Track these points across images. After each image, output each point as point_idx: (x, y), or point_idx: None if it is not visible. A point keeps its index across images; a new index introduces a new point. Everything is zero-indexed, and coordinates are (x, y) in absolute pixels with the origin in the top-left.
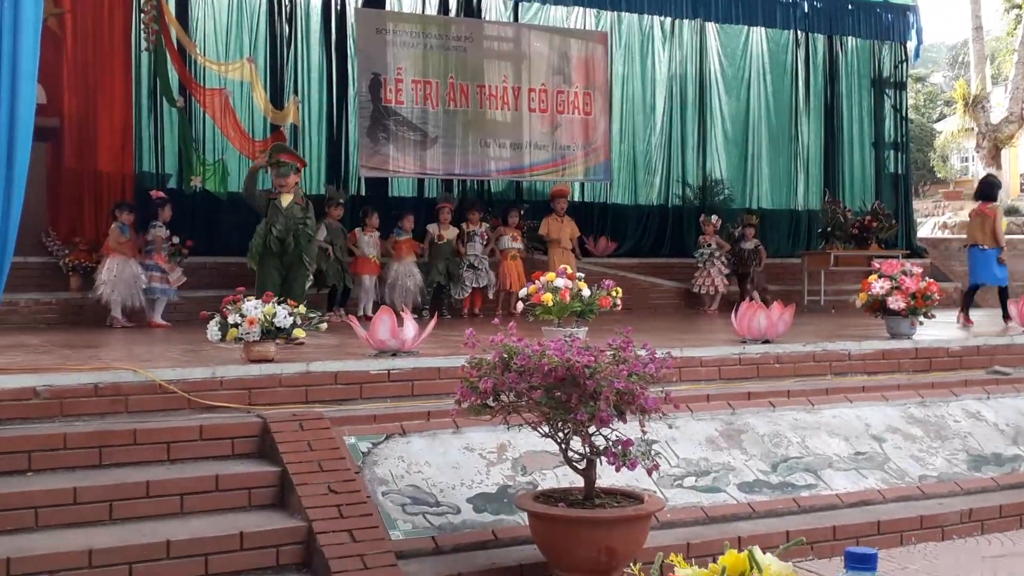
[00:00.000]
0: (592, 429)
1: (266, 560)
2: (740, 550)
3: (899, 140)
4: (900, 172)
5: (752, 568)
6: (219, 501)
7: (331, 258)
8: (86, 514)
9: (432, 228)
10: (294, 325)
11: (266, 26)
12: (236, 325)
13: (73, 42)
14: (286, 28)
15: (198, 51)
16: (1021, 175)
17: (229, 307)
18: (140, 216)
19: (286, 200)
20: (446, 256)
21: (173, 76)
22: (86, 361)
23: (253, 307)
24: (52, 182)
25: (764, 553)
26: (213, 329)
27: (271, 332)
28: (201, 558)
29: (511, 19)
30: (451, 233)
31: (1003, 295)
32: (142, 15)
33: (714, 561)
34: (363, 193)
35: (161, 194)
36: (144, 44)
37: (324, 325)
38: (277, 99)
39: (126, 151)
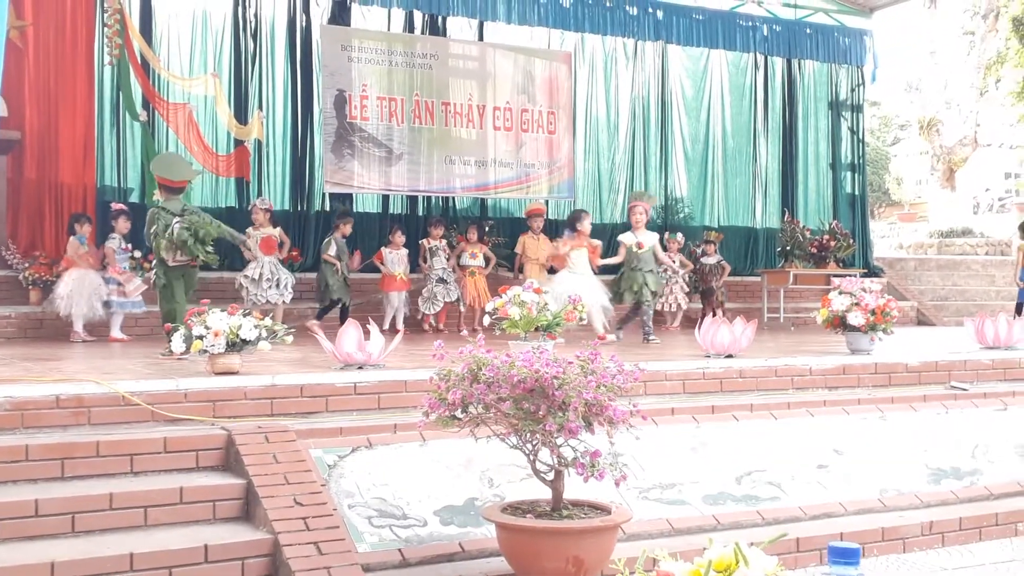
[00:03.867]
0: (560, 440)
1: (231, 573)
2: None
3: (856, 161)
4: (856, 193)
5: (738, 562)
6: (183, 514)
7: (338, 273)
8: (48, 527)
9: (627, 237)
10: (259, 337)
11: (231, 41)
12: (201, 337)
13: (35, 55)
14: (251, 43)
15: (162, 65)
16: (974, 197)
17: (194, 319)
18: (101, 229)
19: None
20: (649, 268)
21: (136, 90)
22: (47, 373)
23: (219, 319)
24: (12, 195)
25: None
26: (177, 341)
27: (236, 344)
28: (165, 571)
29: (476, 38)
30: (650, 239)
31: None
32: (105, 29)
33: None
34: (328, 208)
35: (120, 205)
36: (107, 58)
37: (290, 338)
38: (241, 114)
39: (88, 165)
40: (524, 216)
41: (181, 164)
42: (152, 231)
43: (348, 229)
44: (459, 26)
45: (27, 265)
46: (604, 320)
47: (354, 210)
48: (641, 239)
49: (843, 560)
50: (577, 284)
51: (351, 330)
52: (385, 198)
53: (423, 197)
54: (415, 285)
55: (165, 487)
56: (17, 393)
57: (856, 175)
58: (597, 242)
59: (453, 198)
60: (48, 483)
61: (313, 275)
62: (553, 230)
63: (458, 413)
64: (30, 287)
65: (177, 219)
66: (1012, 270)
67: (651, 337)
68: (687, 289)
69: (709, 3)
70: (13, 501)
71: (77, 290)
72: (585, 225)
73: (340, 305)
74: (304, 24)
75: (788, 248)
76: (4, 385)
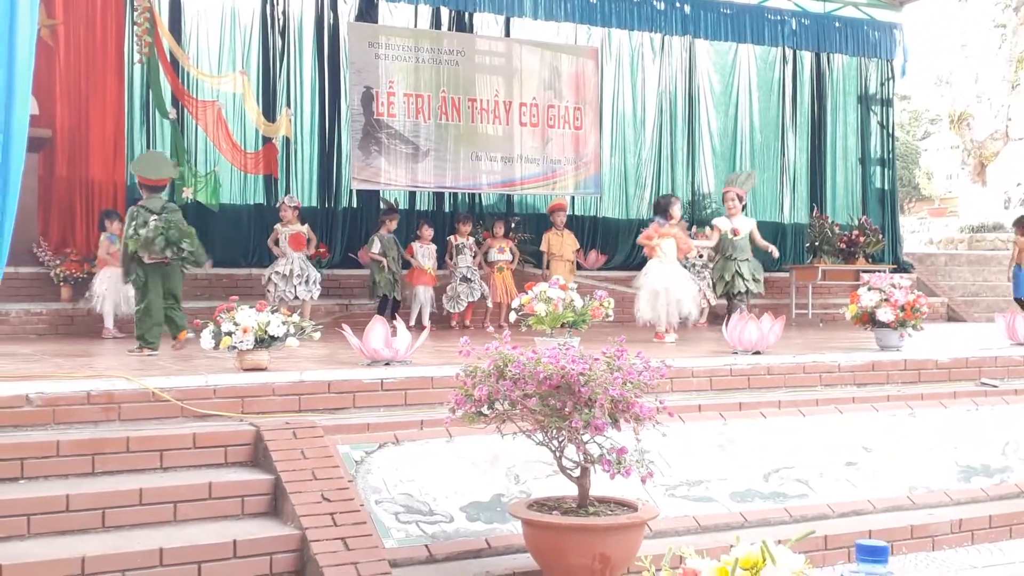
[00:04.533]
0: (587, 437)
1: (260, 568)
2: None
3: (885, 156)
4: (886, 188)
5: (765, 560)
6: (212, 509)
7: (385, 269)
8: (79, 522)
9: (721, 222)
10: (287, 334)
11: (259, 39)
12: (230, 333)
13: (66, 53)
14: (279, 41)
15: (191, 63)
16: (1005, 192)
17: (223, 315)
18: None
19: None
20: (744, 256)
21: (166, 88)
22: (78, 369)
23: (247, 316)
24: (44, 193)
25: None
26: (207, 337)
27: (265, 341)
28: (194, 566)
29: (503, 34)
30: (747, 226)
31: None
32: (135, 27)
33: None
34: (355, 205)
35: None
36: (137, 56)
37: (318, 334)
38: (269, 111)
39: (118, 162)
40: (547, 212)
41: (162, 162)
42: (130, 228)
43: (393, 225)
44: (486, 22)
45: (58, 262)
46: (691, 315)
47: (381, 207)
48: (736, 225)
49: (871, 558)
50: (667, 274)
51: (378, 326)
52: (412, 194)
53: (449, 193)
54: (441, 282)
55: (194, 483)
56: (48, 389)
57: (886, 170)
58: (683, 234)
59: (479, 194)
60: (79, 478)
61: (341, 272)
62: (578, 225)
63: (484, 409)
64: (61, 284)
65: (154, 217)
66: (1009, 264)
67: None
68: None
69: None
70: (44, 496)
71: (111, 287)
72: (675, 211)
73: (389, 298)
74: (332, 21)
75: (817, 243)
76: (36, 381)
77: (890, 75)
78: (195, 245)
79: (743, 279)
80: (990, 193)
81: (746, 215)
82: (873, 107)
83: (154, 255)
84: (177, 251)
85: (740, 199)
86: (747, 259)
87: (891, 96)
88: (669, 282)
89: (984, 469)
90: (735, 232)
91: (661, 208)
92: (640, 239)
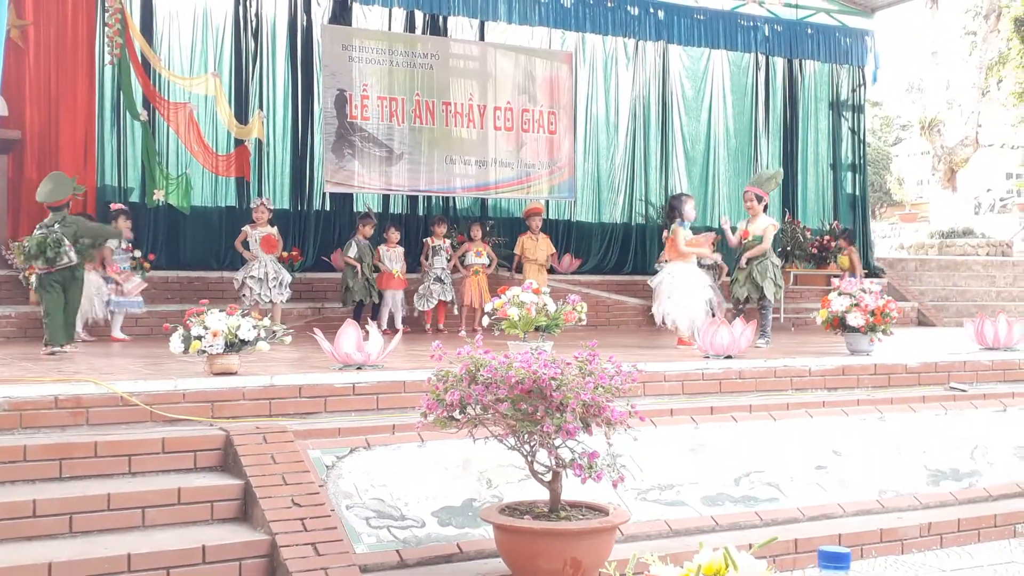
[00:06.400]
0: (558, 441)
1: (229, 574)
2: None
3: (856, 162)
4: (857, 193)
5: (728, 566)
6: (181, 514)
7: (359, 274)
8: (46, 527)
9: (740, 225)
10: (258, 338)
11: (232, 41)
12: (200, 337)
13: (36, 54)
14: (252, 43)
15: (163, 65)
16: (975, 197)
17: (193, 319)
18: None
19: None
20: (756, 261)
21: (137, 89)
22: (46, 373)
23: (217, 319)
24: (13, 195)
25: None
26: (176, 341)
27: (235, 344)
28: (163, 571)
29: (477, 38)
30: (759, 227)
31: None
32: (106, 28)
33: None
34: (327, 208)
35: (120, 205)
36: (108, 57)
37: (289, 338)
38: (242, 114)
39: (88, 164)
40: (523, 216)
41: (61, 186)
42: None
43: (369, 230)
44: (460, 26)
45: (27, 265)
46: (696, 322)
47: (354, 210)
48: (751, 228)
49: (833, 564)
50: (695, 277)
51: (350, 330)
52: (385, 198)
53: (423, 197)
54: (413, 285)
55: (163, 488)
56: (16, 393)
57: (857, 175)
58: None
59: (453, 198)
60: (46, 483)
61: (314, 275)
62: (552, 229)
63: (456, 414)
64: (30, 287)
65: (42, 230)
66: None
67: (760, 341)
68: None
69: (710, 3)
70: (11, 502)
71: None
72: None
73: (364, 304)
74: (305, 23)
75: (788, 248)
76: (3, 385)
77: (861, 81)
78: (54, 251)
79: (738, 285)
80: (960, 198)
81: (769, 215)
82: (845, 113)
83: (41, 267)
84: (44, 261)
85: (759, 199)
86: (756, 261)
87: (862, 102)
88: (689, 283)
89: (953, 473)
90: (744, 235)
91: (683, 211)
92: (698, 242)
